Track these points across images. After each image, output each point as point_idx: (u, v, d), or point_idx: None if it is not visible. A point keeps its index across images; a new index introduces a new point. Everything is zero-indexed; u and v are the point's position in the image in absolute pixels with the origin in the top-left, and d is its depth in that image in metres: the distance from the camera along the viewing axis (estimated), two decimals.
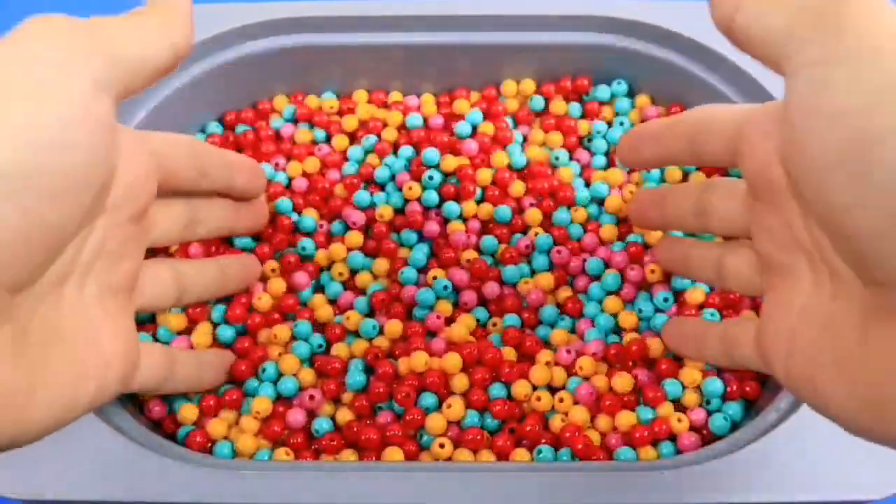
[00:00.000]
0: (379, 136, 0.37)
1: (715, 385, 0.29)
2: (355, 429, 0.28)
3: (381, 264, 0.33)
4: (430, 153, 0.34)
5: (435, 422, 0.28)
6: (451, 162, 0.34)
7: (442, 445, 0.28)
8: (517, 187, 0.34)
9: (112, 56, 0.18)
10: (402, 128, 0.37)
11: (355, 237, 0.33)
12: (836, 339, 0.18)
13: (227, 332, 0.31)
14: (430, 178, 0.34)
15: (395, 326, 0.31)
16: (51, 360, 0.19)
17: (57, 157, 0.16)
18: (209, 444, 0.29)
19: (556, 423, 0.28)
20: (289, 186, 0.36)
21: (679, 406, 0.29)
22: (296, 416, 0.29)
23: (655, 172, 0.35)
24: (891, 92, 0.14)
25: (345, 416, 0.29)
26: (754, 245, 0.22)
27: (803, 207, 0.19)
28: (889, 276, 0.15)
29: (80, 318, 0.20)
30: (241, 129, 0.38)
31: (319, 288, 0.33)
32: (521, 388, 0.29)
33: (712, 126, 0.22)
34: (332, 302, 0.33)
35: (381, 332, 0.31)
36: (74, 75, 0.17)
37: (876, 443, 0.18)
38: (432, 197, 0.34)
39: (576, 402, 0.29)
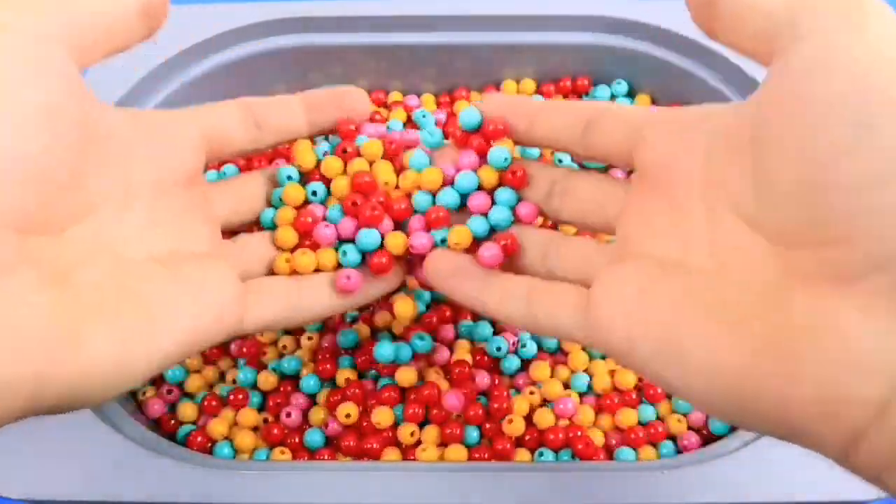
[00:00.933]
0: None
1: None
2: (351, 443, 0.28)
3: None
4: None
5: (431, 432, 0.28)
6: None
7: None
8: None
9: (60, 10, 0.19)
10: (405, 125, 0.37)
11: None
12: (715, 305, 0.18)
13: None
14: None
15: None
16: (106, 312, 0.19)
17: (12, 95, 0.18)
18: (209, 444, 0.29)
19: (549, 419, 0.28)
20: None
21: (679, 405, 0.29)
22: (293, 417, 0.29)
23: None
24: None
25: (346, 410, 0.29)
26: (619, 232, 0.22)
27: (725, 188, 0.19)
28: (851, 233, 0.16)
29: (148, 278, 0.21)
30: None
31: None
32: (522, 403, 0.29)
33: (612, 116, 0.23)
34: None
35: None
36: (18, 31, 0.18)
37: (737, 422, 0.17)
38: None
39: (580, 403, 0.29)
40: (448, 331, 0.31)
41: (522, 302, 0.23)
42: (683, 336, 0.18)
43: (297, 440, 0.29)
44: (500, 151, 0.24)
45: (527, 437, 0.28)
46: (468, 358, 0.30)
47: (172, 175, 0.23)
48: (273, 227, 0.26)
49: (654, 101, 0.38)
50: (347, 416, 0.28)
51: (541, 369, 0.30)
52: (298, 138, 0.26)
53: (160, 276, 0.21)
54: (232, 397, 0.29)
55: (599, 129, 0.23)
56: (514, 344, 0.31)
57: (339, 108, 0.26)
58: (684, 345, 0.18)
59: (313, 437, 0.29)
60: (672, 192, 0.21)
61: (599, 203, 0.23)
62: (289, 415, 0.29)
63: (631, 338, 0.19)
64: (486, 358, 0.30)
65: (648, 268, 0.20)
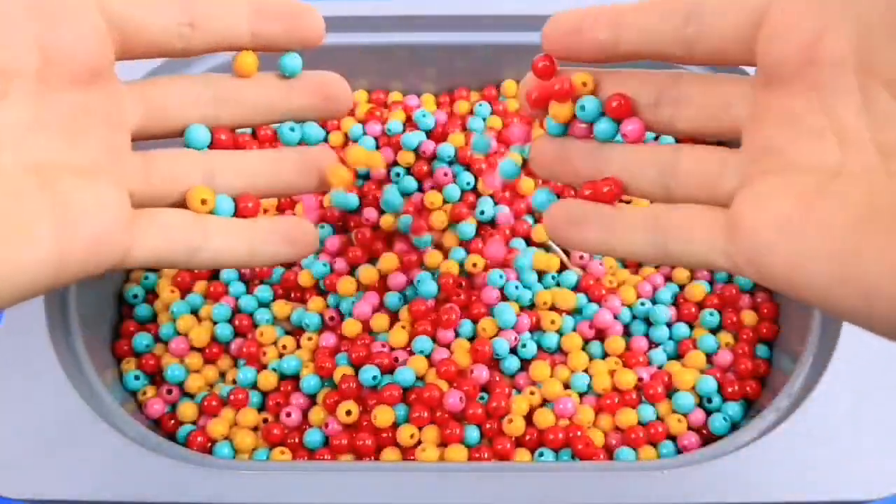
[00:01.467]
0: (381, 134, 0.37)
1: (707, 384, 0.29)
2: (351, 443, 0.28)
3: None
4: (446, 148, 0.35)
5: (431, 432, 0.28)
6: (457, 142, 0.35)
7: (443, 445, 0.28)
8: (527, 185, 0.35)
9: None
10: (407, 125, 0.37)
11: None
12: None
13: (225, 331, 0.32)
14: (445, 175, 0.34)
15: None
16: None
17: None
18: (209, 444, 0.29)
19: (549, 419, 0.28)
20: None
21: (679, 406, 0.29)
22: (292, 416, 0.29)
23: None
24: None
25: (346, 408, 0.29)
26: (751, 137, 0.19)
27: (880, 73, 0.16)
28: None
29: (9, 192, 0.18)
30: (241, 129, 0.38)
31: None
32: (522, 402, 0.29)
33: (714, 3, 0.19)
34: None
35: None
36: None
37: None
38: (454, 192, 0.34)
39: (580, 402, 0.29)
40: (448, 332, 0.31)
41: (650, 235, 0.20)
42: (866, 258, 0.15)
43: (297, 440, 0.29)
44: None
45: (527, 437, 0.28)
46: (467, 358, 0.30)
47: (66, 67, 0.20)
48: (198, 146, 0.23)
49: None
50: (348, 413, 0.28)
51: (541, 369, 0.30)
52: (239, 49, 0.23)
53: (25, 191, 0.18)
54: (232, 397, 0.29)
55: (706, 18, 0.19)
56: (515, 339, 0.31)
57: (292, 24, 0.22)
58: (868, 269, 0.15)
59: (313, 437, 0.29)
60: (815, 83, 0.17)
61: (723, 105, 0.20)
62: (289, 415, 0.29)
63: (796, 263, 0.17)
64: (486, 354, 0.30)
65: (804, 178, 0.17)
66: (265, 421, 0.30)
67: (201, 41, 0.22)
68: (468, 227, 0.33)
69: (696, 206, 0.20)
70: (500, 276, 0.32)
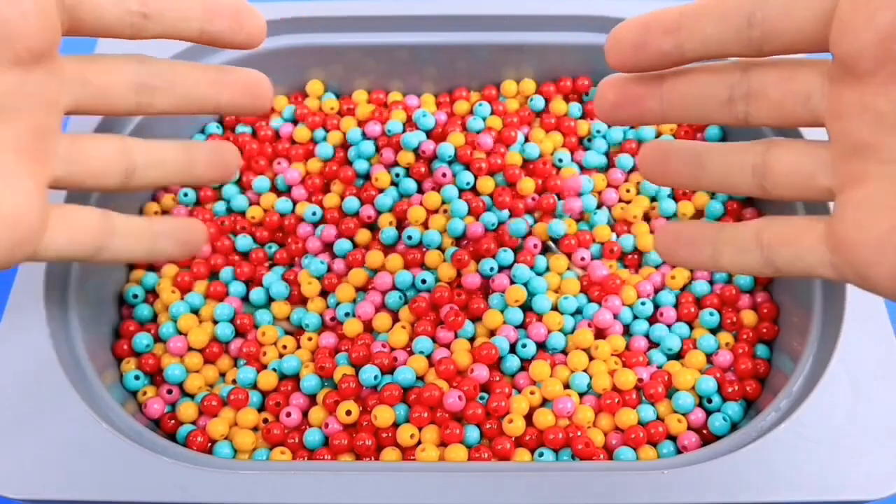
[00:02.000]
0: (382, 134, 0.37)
1: (707, 384, 0.29)
2: (347, 441, 0.28)
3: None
4: (445, 147, 0.35)
5: (431, 432, 0.28)
6: (458, 140, 0.35)
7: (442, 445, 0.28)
8: (527, 185, 0.35)
9: None
10: (407, 125, 0.37)
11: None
12: None
13: (226, 331, 0.32)
14: (444, 175, 0.34)
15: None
16: None
17: None
18: (209, 444, 0.29)
19: (549, 419, 0.28)
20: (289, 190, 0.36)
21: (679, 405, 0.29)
22: (292, 416, 0.29)
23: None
24: None
25: (346, 408, 0.29)
26: (837, 133, 0.18)
27: None
28: None
29: None
30: (240, 129, 0.38)
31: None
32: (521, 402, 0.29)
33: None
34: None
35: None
36: None
37: None
38: (451, 192, 0.34)
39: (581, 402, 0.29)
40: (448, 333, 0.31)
41: (756, 252, 0.20)
42: None
43: (297, 440, 0.29)
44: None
45: (527, 437, 0.28)
46: (467, 358, 0.30)
47: (7, 46, 0.19)
48: None
49: None
50: (348, 413, 0.28)
51: (541, 369, 0.30)
52: (187, 41, 0.23)
53: None
54: (232, 397, 0.29)
55: (770, 17, 0.18)
56: (514, 332, 0.31)
57: (237, 23, 0.23)
58: None
59: (313, 437, 0.29)
60: None
61: (801, 98, 0.19)
62: (289, 415, 0.29)
63: None
64: (487, 354, 0.30)
65: None
66: (265, 421, 0.30)
67: (152, 31, 0.22)
68: (458, 224, 0.33)
69: (799, 220, 0.20)
70: (491, 267, 0.32)
